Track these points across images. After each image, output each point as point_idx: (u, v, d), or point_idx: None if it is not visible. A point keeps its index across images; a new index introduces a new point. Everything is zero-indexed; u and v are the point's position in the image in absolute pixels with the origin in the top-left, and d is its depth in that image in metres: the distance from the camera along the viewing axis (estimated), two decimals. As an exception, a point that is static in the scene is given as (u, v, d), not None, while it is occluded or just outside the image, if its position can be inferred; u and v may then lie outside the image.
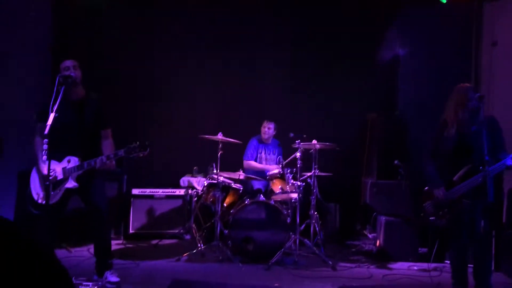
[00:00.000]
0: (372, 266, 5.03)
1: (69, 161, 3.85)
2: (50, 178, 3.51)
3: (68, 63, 3.93)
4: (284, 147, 6.02)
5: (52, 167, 3.57)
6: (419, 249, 5.35)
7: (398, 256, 5.26)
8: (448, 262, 4.73)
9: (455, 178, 3.86)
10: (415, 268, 4.98)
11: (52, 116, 3.43)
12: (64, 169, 3.84)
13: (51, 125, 3.40)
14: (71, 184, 3.84)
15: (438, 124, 4.02)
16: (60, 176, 3.84)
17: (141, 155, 3.72)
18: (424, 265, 4.95)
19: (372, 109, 6.72)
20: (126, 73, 6.63)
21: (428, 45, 6.52)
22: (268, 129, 5.98)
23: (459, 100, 3.84)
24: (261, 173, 5.90)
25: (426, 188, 4.05)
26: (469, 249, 3.99)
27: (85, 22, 6.56)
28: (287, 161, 5.57)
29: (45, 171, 3.84)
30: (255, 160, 6.04)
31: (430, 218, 4.00)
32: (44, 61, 6.15)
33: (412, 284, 4.49)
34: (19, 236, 1.05)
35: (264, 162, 6.07)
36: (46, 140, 3.52)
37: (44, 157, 3.71)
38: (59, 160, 3.84)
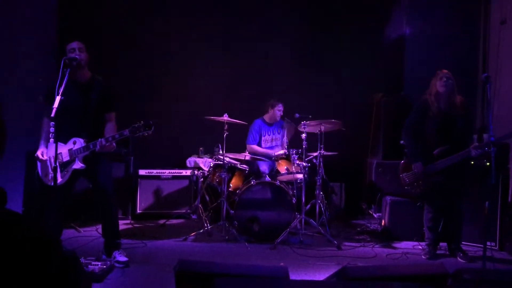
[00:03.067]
0: (377, 246, 5.07)
1: (74, 143, 3.88)
2: (55, 160, 3.54)
3: (74, 45, 3.93)
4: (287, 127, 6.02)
5: (58, 149, 3.60)
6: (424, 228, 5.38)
7: (403, 236, 5.29)
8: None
9: (434, 152, 4.37)
10: (420, 247, 5.01)
11: (58, 99, 3.45)
12: (70, 150, 3.88)
13: (57, 108, 3.42)
14: (78, 165, 3.88)
15: (419, 104, 4.55)
16: (66, 157, 3.89)
17: (146, 134, 3.74)
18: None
19: (378, 89, 6.68)
20: (132, 54, 6.61)
21: (435, 24, 6.43)
22: (279, 111, 5.96)
23: (433, 85, 4.43)
24: (263, 155, 5.91)
25: (402, 161, 4.66)
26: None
27: (91, 1, 6.52)
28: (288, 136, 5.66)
29: (45, 155, 3.90)
30: (259, 144, 6.03)
31: (405, 187, 4.63)
32: (50, 40, 6.13)
33: (417, 263, 4.52)
34: (26, 227, 1.06)
35: (270, 143, 6.06)
36: (52, 123, 3.56)
37: (51, 140, 3.76)
38: (65, 142, 3.88)
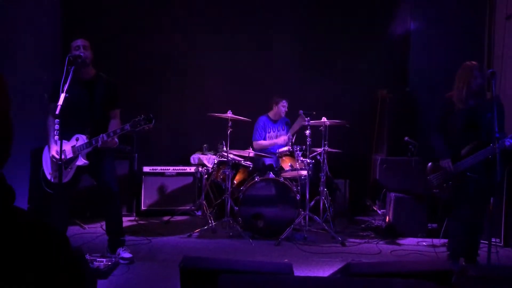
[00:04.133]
0: (381, 242, 5.07)
1: (77, 139, 3.89)
2: (60, 157, 3.55)
3: (79, 42, 3.93)
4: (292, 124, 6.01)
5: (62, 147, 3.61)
6: (429, 225, 5.38)
7: (407, 232, 5.29)
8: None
9: (462, 152, 4.00)
10: (424, 244, 5.01)
11: (62, 96, 3.46)
12: (73, 147, 3.89)
13: (62, 106, 3.43)
14: (81, 161, 3.89)
15: (444, 100, 4.17)
16: (69, 154, 3.90)
17: (147, 128, 3.74)
18: (433, 241, 4.98)
19: (382, 85, 6.66)
20: (135, 50, 6.62)
21: (440, 19, 6.40)
22: (283, 107, 5.95)
23: (464, 78, 3.98)
24: (269, 149, 5.92)
25: (429, 163, 4.22)
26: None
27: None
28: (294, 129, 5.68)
29: (54, 152, 3.91)
30: (264, 140, 6.03)
31: (434, 190, 4.17)
32: (55, 36, 6.15)
33: (421, 260, 4.52)
34: (33, 224, 1.07)
35: (275, 139, 6.05)
36: (57, 120, 3.57)
37: (56, 137, 3.76)
38: (68, 139, 3.89)
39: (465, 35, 6.28)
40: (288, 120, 6.08)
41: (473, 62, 4.06)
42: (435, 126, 4.21)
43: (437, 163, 4.15)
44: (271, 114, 6.06)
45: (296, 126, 5.89)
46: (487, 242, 3.71)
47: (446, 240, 4.78)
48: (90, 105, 3.97)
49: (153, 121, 3.73)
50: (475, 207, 3.99)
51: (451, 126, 4.11)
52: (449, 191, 4.07)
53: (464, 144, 4.02)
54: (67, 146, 3.88)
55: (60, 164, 3.53)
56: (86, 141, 3.86)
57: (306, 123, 5.20)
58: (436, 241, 4.88)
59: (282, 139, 5.83)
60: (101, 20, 6.45)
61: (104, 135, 3.78)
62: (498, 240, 4.84)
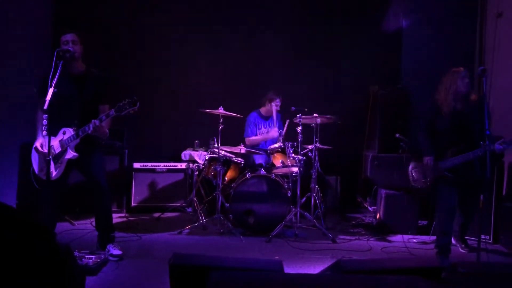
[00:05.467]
0: (372, 239, 5.08)
1: (64, 133, 3.86)
2: (48, 153, 3.51)
3: (68, 37, 3.86)
4: (285, 120, 5.99)
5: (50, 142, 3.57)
6: (419, 222, 5.40)
7: (398, 229, 5.30)
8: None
9: (447, 153, 4.25)
10: (415, 240, 5.03)
11: (51, 91, 3.41)
12: (61, 141, 3.85)
13: (50, 100, 3.38)
14: (70, 154, 3.85)
15: (432, 103, 4.39)
16: (58, 149, 3.86)
17: (132, 111, 3.70)
18: (424, 238, 5.02)
19: (374, 82, 6.67)
20: (126, 45, 6.58)
21: (432, 16, 6.42)
22: (276, 106, 5.92)
23: (450, 83, 4.26)
24: (261, 145, 5.91)
25: (413, 158, 4.57)
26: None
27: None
28: (284, 130, 5.67)
29: (44, 147, 3.87)
30: (255, 136, 6.01)
31: (412, 183, 4.57)
32: (44, 30, 6.08)
33: (411, 257, 4.54)
34: (19, 220, 1.05)
35: (265, 136, 6.04)
36: (45, 115, 3.52)
37: (44, 132, 3.72)
38: (55, 134, 3.84)
39: (456, 33, 6.32)
40: (280, 115, 6.05)
41: (461, 68, 4.29)
42: (423, 127, 4.44)
43: (420, 160, 4.45)
44: (262, 110, 6.04)
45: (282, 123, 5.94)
46: (476, 239, 3.74)
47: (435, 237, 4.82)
48: (79, 100, 3.92)
49: (138, 104, 3.69)
50: (446, 206, 4.26)
51: (438, 128, 4.34)
52: (426, 185, 4.43)
53: (450, 145, 4.26)
54: (55, 141, 3.84)
55: (49, 160, 3.48)
56: (73, 133, 3.82)
57: (298, 120, 5.18)
58: (426, 238, 4.92)
59: (274, 131, 5.81)
60: (92, 14, 6.40)
61: (95, 120, 3.73)
62: (487, 237, 4.87)
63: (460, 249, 4.66)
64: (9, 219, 1.04)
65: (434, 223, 4.72)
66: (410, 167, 4.59)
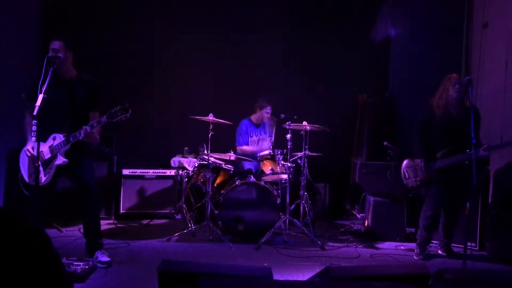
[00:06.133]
0: (360, 246, 5.11)
1: (54, 139, 3.84)
2: (37, 159, 3.49)
3: (56, 44, 3.84)
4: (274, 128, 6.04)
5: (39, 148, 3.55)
6: (407, 229, 5.45)
7: (386, 236, 5.34)
8: (435, 241, 4.89)
9: (437, 155, 4.54)
10: (402, 248, 5.07)
11: (40, 97, 3.41)
12: (51, 147, 3.84)
13: (40, 106, 3.37)
14: (60, 160, 3.84)
15: (427, 107, 4.64)
16: (47, 155, 3.84)
17: (123, 118, 3.70)
18: (411, 245, 5.05)
19: (363, 90, 6.73)
20: (116, 50, 6.53)
21: (419, 26, 6.51)
22: (267, 113, 5.95)
23: (445, 89, 4.51)
24: (252, 155, 5.92)
25: (406, 159, 4.83)
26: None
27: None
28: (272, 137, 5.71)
29: (35, 151, 3.84)
30: (247, 145, 6.03)
31: (404, 182, 4.83)
32: (33, 34, 6.04)
33: (399, 264, 4.57)
34: (15, 222, 1.05)
35: (257, 143, 6.06)
36: (35, 121, 3.51)
37: (33, 138, 3.70)
38: (44, 140, 3.82)
39: (444, 42, 6.41)
40: (271, 123, 6.08)
41: (454, 75, 4.53)
42: (416, 129, 4.69)
43: (412, 160, 4.72)
44: (253, 117, 6.07)
45: (271, 130, 5.96)
46: (462, 246, 3.79)
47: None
48: (69, 106, 3.91)
49: (130, 111, 3.70)
50: (433, 203, 4.65)
51: (431, 131, 4.60)
52: (417, 185, 4.71)
53: (441, 148, 4.53)
54: (45, 147, 3.82)
55: (37, 166, 3.46)
56: (63, 139, 3.80)
57: (287, 127, 5.21)
58: (414, 245, 4.94)
59: (266, 146, 5.85)
60: (82, 19, 6.38)
61: (87, 127, 3.72)
62: (473, 244, 4.92)
63: (439, 251, 4.86)
64: (4, 220, 1.05)
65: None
66: (403, 166, 4.84)
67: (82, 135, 3.73)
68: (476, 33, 6.14)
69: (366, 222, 5.55)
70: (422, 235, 4.74)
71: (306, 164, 5.34)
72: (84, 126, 3.73)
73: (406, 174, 4.81)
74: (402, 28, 6.65)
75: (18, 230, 1.05)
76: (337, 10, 6.89)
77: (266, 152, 5.55)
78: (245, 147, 5.96)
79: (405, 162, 4.84)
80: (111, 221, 5.81)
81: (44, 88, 3.44)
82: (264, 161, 5.57)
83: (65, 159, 3.84)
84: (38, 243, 1.07)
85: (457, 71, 6.02)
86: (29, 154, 3.85)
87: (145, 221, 5.84)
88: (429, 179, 4.62)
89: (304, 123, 5.26)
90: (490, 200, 5.01)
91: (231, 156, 5.51)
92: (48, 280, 1.04)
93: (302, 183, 5.33)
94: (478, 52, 6.00)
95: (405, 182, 4.83)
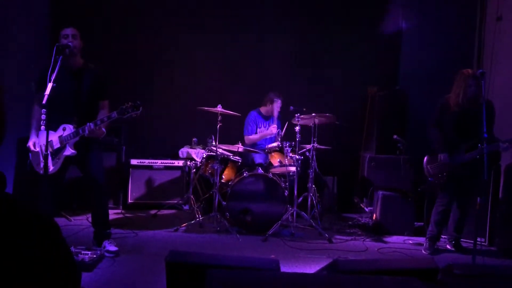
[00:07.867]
0: (367, 239, 5.09)
1: (64, 129, 3.85)
2: (46, 148, 3.50)
3: (68, 31, 3.88)
4: (283, 120, 6.00)
5: (49, 137, 3.56)
6: (415, 223, 5.42)
7: (394, 230, 5.32)
8: (443, 236, 4.86)
9: (461, 148, 4.49)
10: (410, 242, 5.05)
11: (50, 86, 3.40)
12: (60, 137, 3.84)
13: (49, 95, 3.38)
14: (69, 151, 3.85)
15: (441, 102, 4.61)
16: (57, 145, 3.85)
17: (134, 115, 3.71)
18: (420, 239, 5.03)
19: (373, 83, 6.68)
20: (126, 42, 6.54)
21: (431, 19, 6.44)
22: (277, 108, 5.92)
23: (460, 85, 4.44)
24: (260, 146, 5.91)
25: (426, 156, 4.71)
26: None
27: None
28: (283, 131, 5.67)
29: (37, 147, 3.87)
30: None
31: (429, 178, 4.68)
32: (43, 24, 6.06)
33: (407, 258, 4.55)
34: (28, 211, 1.05)
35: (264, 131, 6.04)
36: (44, 110, 3.52)
37: (43, 127, 3.71)
38: (54, 129, 3.84)
39: (455, 35, 6.33)
40: (279, 115, 6.05)
41: (469, 70, 4.46)
42: (433, 122, 4.64)
43: (433, 155, 4.63)
44: (262, 109, 6.05)
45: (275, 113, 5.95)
46: (472, 241, 3.76)
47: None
48: (77, 95, 3.92)
49: (141, 108, 3.70)
50: (446, 199, 4.66)
51: (446, 125, 4.57)
52: (443, 180, 4.59)
53: (456, 142, 4.50)
54: (54, 137, 3.83)
55: (46, 155, 3.47)
56: (73, 130, 3.81)
57: (296, 121, 5.18)
58: (422, 239, 4.92)
59: (272, 127, 5.83)
60: (91, 11, 6.37)
61: (91, 123, 3.74)
62: (483, 239, 4.89)
63: (448, 247, 4.85)
64: (16, 209, 1.04)
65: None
66: (425, 162, 4.73)
67: (86, 131, 3.74)
68: (488, 25, 6.05)
69: (374, 215, 5.53)
70: (433, 230, 4.73)
71: (314, 157, 5.32)
72: (88, 123, 3.74)
73: (431, 171, 4.68)
74: (413, 21, 6.58)
75: (27, 218, 1.04)
76: (348, 2, 6.83)
77: (275, 144, 5.53)
78: (252, 135, 5.94)
79: (426, 158, 4.74)
80: (119, 211, 5.84)
81: (54, 77, 3.44)
82: (273, 153, 5.55)
83: (73, 151, 3.85)
84: (47, 231, 1.06)
85: (469, 64, 5.97)
86: (32, 150, 3.87)
87: (153, 211, 5.86)
88: (454, 174, 4.54)
89: (313, 114, 5.23)
90: (500, 195, 4.96)
91: (239, 147, 5.49)
92: (58, 269, 1.03)
93: (310, 176, 5.31)
94: (491, 45, 5.91)
95: (430, 179, 4.69)
